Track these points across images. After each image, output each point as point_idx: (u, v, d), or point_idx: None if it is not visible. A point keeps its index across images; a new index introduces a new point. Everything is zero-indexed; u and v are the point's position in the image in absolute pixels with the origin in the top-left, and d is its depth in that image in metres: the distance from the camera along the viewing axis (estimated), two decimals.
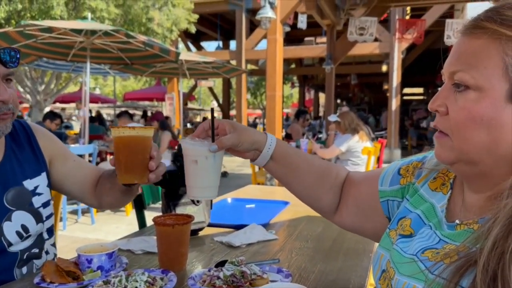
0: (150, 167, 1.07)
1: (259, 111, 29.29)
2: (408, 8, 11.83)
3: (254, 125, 19.15)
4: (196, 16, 10.59)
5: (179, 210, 1.45)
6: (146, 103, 21.76)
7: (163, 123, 6.32)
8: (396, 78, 12.18)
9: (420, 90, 23.91)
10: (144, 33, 9.01)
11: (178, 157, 1.47)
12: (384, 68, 13.78)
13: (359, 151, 5.05)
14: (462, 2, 8.44)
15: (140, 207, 1.77)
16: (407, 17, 11.53)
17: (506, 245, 0.56)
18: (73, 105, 15.71)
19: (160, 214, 1.30)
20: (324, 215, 1.09)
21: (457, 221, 0.73)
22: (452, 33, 7.86)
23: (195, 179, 0.97)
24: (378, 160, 7.39)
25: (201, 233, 1.55)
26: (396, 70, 12.15)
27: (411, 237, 0.79)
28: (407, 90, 23.89)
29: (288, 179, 1.03)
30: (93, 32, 5.32)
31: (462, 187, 0.79)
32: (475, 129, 0.66)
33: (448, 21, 8.30)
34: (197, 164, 0.95)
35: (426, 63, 15.17)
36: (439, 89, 0.74)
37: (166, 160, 1.61)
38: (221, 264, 1.14)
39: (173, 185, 1.44)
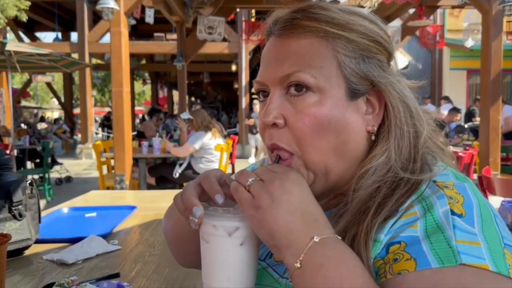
0: None
1: (108, 109, 27.54)
2: (253, 11, 12.49)
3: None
4: (28, 3, 9.38)
5: None
6: None
7: None
8: (245, 77, 12.77)
9: None
10: None
11: None
12: (233, 67, 14.29)
13: (213, 148, 5.13)
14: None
15: None
16: (253, 20, 12.17)
17: (360, 228, 0.56)
18: None
19: None
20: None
21: None
22: None
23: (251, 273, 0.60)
24: (231, 156, 7.66)
25: (27, 252, 1.33)
26: (244, 69, 12.73)
27: None
28: None
29: None
30: None
31: None
32: (324, 135, 0.60)
33: None
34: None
35: None
36: (266, 100, 0.64)
37: None
38: (48, 287, 0.98)
39: None
